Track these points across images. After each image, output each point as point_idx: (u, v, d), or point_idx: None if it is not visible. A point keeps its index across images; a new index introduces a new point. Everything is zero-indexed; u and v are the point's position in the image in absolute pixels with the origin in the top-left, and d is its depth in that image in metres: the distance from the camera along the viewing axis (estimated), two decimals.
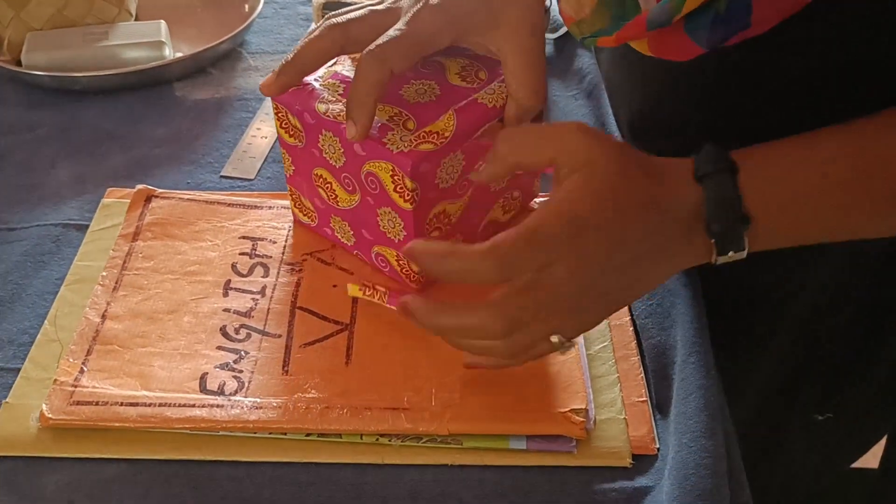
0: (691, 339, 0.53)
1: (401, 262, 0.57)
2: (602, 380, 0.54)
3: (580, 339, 0.56)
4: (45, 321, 0.57)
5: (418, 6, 0.51)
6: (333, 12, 0.55)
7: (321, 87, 0.56)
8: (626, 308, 0.59)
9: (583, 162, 0.45)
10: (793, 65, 0.53)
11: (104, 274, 0.60)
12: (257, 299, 0.59)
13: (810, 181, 0.46)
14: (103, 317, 0.57)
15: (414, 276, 0.57)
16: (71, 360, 0.54)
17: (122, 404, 0.51)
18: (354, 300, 0.59)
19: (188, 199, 0.66)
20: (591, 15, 0.55)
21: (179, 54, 0.83)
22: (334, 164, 0.56)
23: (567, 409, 0.51)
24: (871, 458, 0.80)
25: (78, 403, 0.51)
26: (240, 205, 0.66)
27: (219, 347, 0.56)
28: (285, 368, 0.54)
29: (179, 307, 0.58)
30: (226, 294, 0.59)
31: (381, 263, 0.59)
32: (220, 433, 0.51)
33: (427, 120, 0.53)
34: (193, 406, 0.51)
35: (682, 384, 0.51)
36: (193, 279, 0.60)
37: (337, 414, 0.51)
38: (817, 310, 0.64)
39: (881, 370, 0.68)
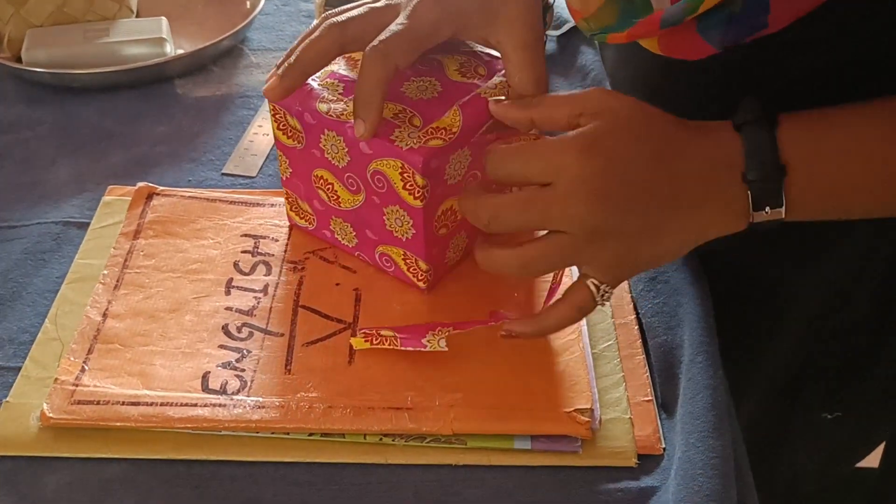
0: (699, 338, 0.53)
1: (407, 261, 0.57)
2: (607, 379, 0.54)
3: (585, 338, 0.55)
4: (46, 320, 0.57)
5: (417, 1, 0.51)
6: (331, 11, 0.55)
7: (320, 87, 0.55)
8: (631, 306, 0.58)
9: (605, 108, 0.46)
10: (798, 64, 0.53)
11: (105, 272, 0.60)
12: (259, 298, 0.58)
13: (849, 139, 0.46)
14: (104, 315, 0.57)
15: (421, 275, 0.57)
16: (72, 358, 0.54)
17: (123, 403, 0.51)
18: (357, 298, 0.58)
19: (189, 197, 0.66)
20: (597, 11, 0.54)
21: (180, 51, 0.82)
22: (337, 164, 0.55)
23: (572, 409, 0.51)
24: (871, 458, 0.80)
25: (79, 403, 0.51)
26: (241, 202, 0.65)
27: (221, 346, 0.55)
28: (288, 367, 0.54)
29: (181, 306, 0.58)
30: (228, 292, 0.59)
31: (386, 264, 0.59)
32: (223, 433, 0.50)
33: (432, 116, 0.53)
34: (195, 405, 0.51)
35: (689, 384, 0.51)
36: (195, 277, 0.60)
37: (340, 413, 0.51)
38: (824, 307, 0.64)
39: (886, 369, 0.68)
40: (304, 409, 0.51)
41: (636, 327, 0.57)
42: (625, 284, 0.60)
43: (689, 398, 0.50)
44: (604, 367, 0.54)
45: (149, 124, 0.75)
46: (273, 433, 0.50)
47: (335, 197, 0.58)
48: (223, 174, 0.70)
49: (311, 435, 0.50)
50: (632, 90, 0.68)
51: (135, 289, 0.59)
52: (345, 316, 0.57)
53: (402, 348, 0.53)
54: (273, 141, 0.73)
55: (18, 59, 0.80)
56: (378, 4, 0.53)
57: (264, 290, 0.59)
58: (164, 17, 0.84)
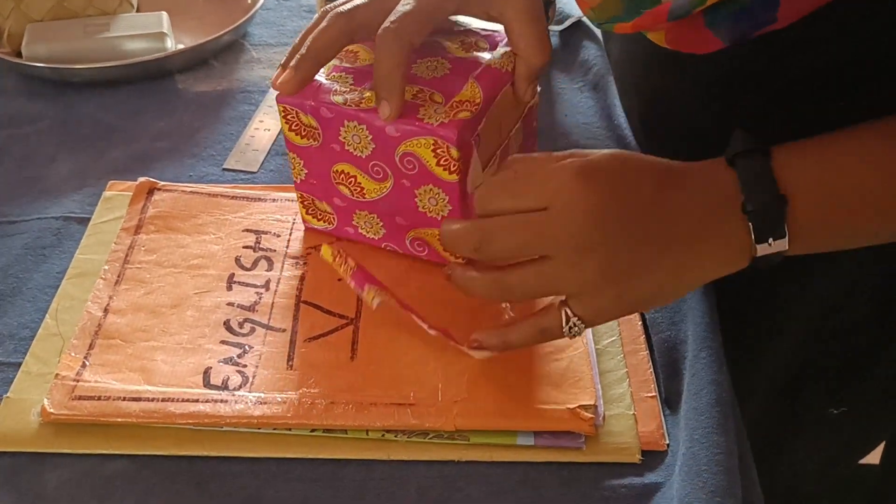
0: (703, 333, 0.53)
1: None
2: (610, 375, 0.54)
3: (589, 334, 0.55)
4: (46, 315, 0.57)
5: None
6: (333, 4, 0.54)
7: (329, 81, 0.55)
8: None
9: (593, 153, 0.45)
10: (800, 63, 0.53)
11: (106, 268, 0.59)
12: (261, 293, 0.58)
13: (850, 164, 0.45)
14: (105, 311, 0.57)
15: (457, 255, 0.57)
16: (73, 354, 0.53)
17: (124, 399, 0.51)
18: None
19: (191, 192, 0.65)
20: (604, 1, 0.54)
21: (181, 46, 0.82)
22: (360, 154, 0.55)
23: (575, 405, 0.50)
24: (872, 455, 0.80)
25: (80, 398, 0.51)
26: (243, 197, 0.65)
27: (222, 342, 0.55)
28: (290, 363, 0.54)
29: (182, 301, 0.57)
30: (229, 288, 0.58)
31: (419, 248, 0.58)
32: (224, 429, 0.50)
33: (451, 91, 0.53)
34: (197, 401, 0.51)
35: (693, 379, 0.51)
36: (196, 273, 0.59)
37: (342, 409, 0.50)
38: (825, 307, 0.64)
39: (886, 369, 0.68)
40: (307, 405, 0.51)
41: (639, 323, 0.57)
42: None
43: (694, 394, 0.50)
44: (607, 362, 0.54)
45: (149, 119, 0.75)
46: (275, 429, 0.50)
47: (359, 189, 0.57)
48: (224, 169, 0.70)
49: (313, 431, 0.50)
50: (637, 86, 0.68)
51: (136, 284, 0.58)
52: (347, 311, 0.57)
53: (351, 280, 0.54)
54: (274, 136, 0.73)
55: (18, 54, 0.80)
56: None
57: (266, 286, 0.59)
58: (164, 12, 0.83)
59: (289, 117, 0.56)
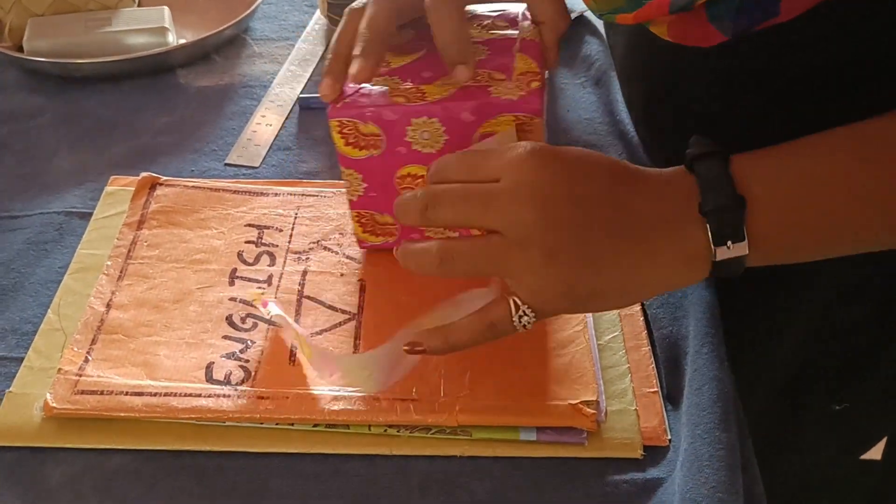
0: (704, 329, 0.53)
1: None
2: (612, 370, 0.54)
3: (591, 330, 0.55)
4: (49, 310, 0.57)
5: None
6: (355, 3, 0.55)
7: (378, 87, 0.54)
8: None
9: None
10: (807, 58, 0.52)
11: (109, 263, 0.59)
12: (264, 288, 0.58)
13: (812, 171, 0.44)
14: (108, 306, 0.57)
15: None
16: (75, 349, 0.54)
17: (127, 394, 0.51)
18: (362, 289, 0.58)
19: (193, 187, 0.65)
20: None
21: (183, 41, 0.82)
22: (430, 150, 0.54)
23: (577, 401, 0.50)
24: (874, 451, 0.80)
25: (82, 393, 0.51)
26: (246, 192, 0.65)
27: (225, 337, 0.55)
28: (292, 358, 0.54)
29: (185, 296, 0.57)
30: (232, 283, 0.58)
31: None
32: (227, 424, 0.50)
33: (506, 67, 0.54)
34: (199, 396, 0.51)
35: (694, 375, 0.51)
36: (199, 268, 0.59)
37: (344, 404, 0.50)
38: (831, 303, 0.64)
39: (887, 368, 0.68)
40: (309, 400, 0.51)
41: (641, 318, 0.57)
42: None
43: (695, 390, 0.50)
44: (609, 358, 0.54)
45: (151, 114, 0.75)
46: (277, 424, 0.50)
47: None
48: (226, 164, 0.70)
49: (315, 426, 0.50)
50: (639, 81, 0.68)
51: (139, 279, 0.58)
52: (349, 307, 0.57)
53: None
54: (276, 131, 0.73)
55: (20, 49, 0.80)
56: None
57: (268, 281, 0.59)
58: (166, 7, 0.83)
59: (345, 131, 0.54)
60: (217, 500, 0.47)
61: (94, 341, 0.54)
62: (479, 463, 0.49)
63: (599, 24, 0.83)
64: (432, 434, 0.50)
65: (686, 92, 0.60)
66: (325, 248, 0.61)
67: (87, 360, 0.53)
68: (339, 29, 0.55)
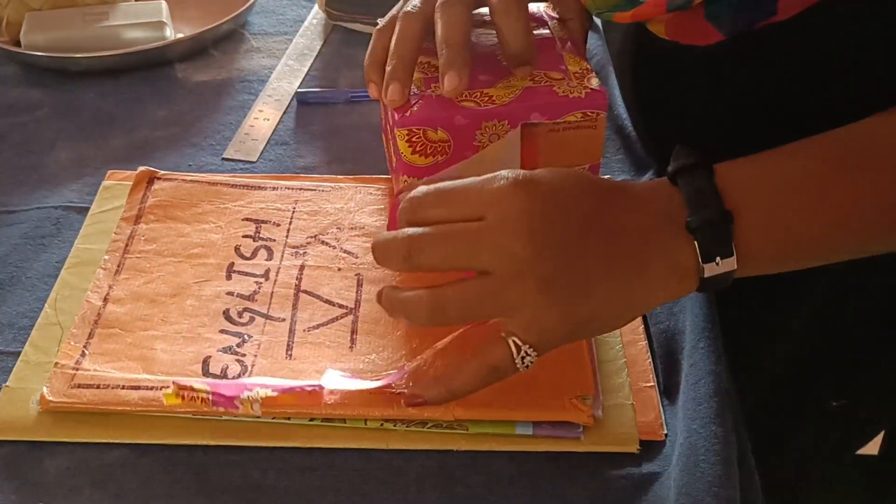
0: (701, 324, 0.53)
1: None
2: (609, 365, 0.54)
3: None
4: (46, 304, 0.57)
5: None
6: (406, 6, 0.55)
7: (434, 93, 0.54)
8: None
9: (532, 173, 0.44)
10: (805, 57, 0.52)
11: (106, 257, 0.59)
12: (261, 282, 0.58)
13: (796, 180, 0.44)
14: (105, 300, 0.57)
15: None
16: (72, 343, 0.54)
17: (123, 387, 0.51)
18: (359, 283, 0.58)
19: (191, 181, 0.65)
20: None
21: (180, 35, 0.82)
22: None
23: (574, 396, 0.50)
24: (870, 445, 0.80)
25: (79, 386, 0.51)
26: (243, 185, 0.65)
27: (222, 331, 0.55)
28: (289, 353, 0.54)
29: (182, 290, 0.57)
30: (229, 277, 0.58)
31: None
32: (223, 418, 0.50)
33: (559, 66, 0.55)
34: None
35: (691, 370, 0.51)
36: (196, 262, 0.59)
37: (341, 398, 0.50)
38: (835, 295, 0.63)
39: (891, 362, 0.68)
40: (305, 394, 0.51)
41: None
42: None
43: (692, 384, 0.50)
44: (606, 353, 0.54)
45: (149, 109, 0.75)
46: (273, 418, 0.50)
47: None
48: (224, 159, 0.70)
49: (312, 420, 0.50)
50: (636, 77, 0.68)
51: (136, 273, 0.58)
52: (346, 301, 0.57)
53: (213, 408, 0.49)
54: (274, 126, 0.73)
55: (17, 43, 0.80)
56: None
57: (265, 275, 0.59)
58: (163, 1, 0.83)
59: (413, 139, 0.53)
60: (213, 493, 0.47)
61: (90, 335, 0.54)
62: (476, 457, 0.49)
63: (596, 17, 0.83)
64: (429, 428, 0.50)
65: (683, 87, 0.60)
66: (322, 242, 0.61)
67: (83, 354, 0.53)
68: (396, 32, 0.54)
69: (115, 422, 0.50)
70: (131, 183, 0.65)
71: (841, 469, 0.81)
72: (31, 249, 0.61)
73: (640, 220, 0.43)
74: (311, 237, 0.61)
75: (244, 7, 0.83)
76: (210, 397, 0.49)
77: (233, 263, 0.59)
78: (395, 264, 0.44)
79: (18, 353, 0.54)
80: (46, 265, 0.60)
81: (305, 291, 0.58)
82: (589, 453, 0.49)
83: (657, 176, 0.62)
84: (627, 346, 0.55)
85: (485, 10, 0.57)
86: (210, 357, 0.53)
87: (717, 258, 0.42)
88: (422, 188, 0.44)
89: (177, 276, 0.58)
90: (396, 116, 0.53)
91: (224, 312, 0.56)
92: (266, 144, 0.71)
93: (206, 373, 0.52)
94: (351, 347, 0.54)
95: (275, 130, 0.73)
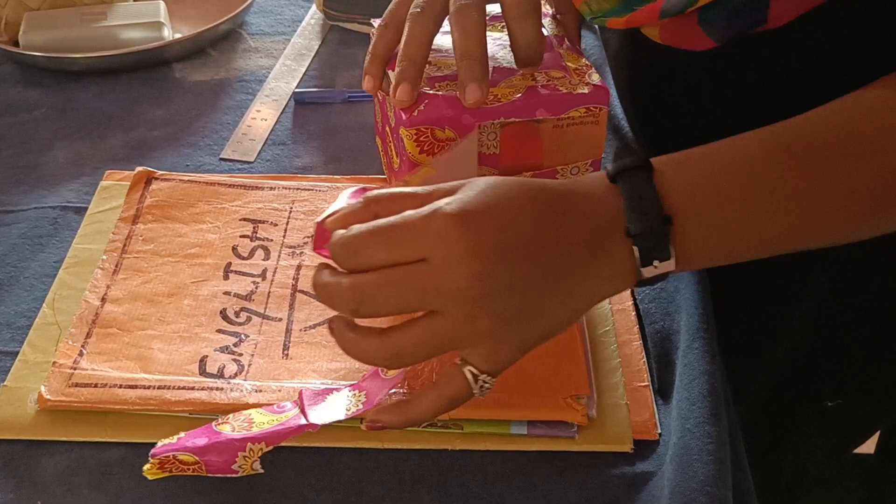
0: (696, 324, 0.53)
1: None
2: (604, 365, 0.54)
3: (583, 324, 0.55)
4: (44, 304, 0.57)
5: None
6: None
7: (440, 92, 0.54)
8: (628, 292, 0.58)
9: (465, 183, 0.43)
10: (797, 61, 0.53)
11: (104, 257, 0.60)
12: (258, 282, 0.58)
13: (737, 180, 0.44)
14: (103, 300, 0.57)
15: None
16: (70, 342, 0.54)
17: (121, 386, 0.51)
18: None
19: (188, 181, 0.65)
20: None
21: (179, 35, 0.82)
22: (494, 151, 0.55)
23: (569, 395, 0.51)
24: (867, 445, 0.80)
25: (77, 385, 0.51)
26: (241, 185, 0.65)
27: (219, 331, 0.55)
28: (285, 352, 0.54)
29: (179, 290, 0.58)
30: (226, 277, 0.59)
31: None
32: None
33: (559, 64, 0.55)
34: (193, 389, 0.51)
35: (685, 369, 0.51)
36: (194, 262, 0.60)
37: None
38: (832, 295, 0.64)
39: (891, 361, 0.68)
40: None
41: (633, 313, 0.57)
42: None
43: (686, 384, 0.50)
44: (601, 353, 0.55)
45: (146, 109, 0.75)
46: None
47: None
48: (221, 159, 0.70)
49: None
50: (633, 75, 0.68)
51: (133, 273, 0.59)
52: None
53: (209, 475, 0.46)
54: (271, 126, 0.73)
55: (16, 43, 0.80)
56: None
57: (262, 275, 0.59)
58: (161, 1, 0.83)
59: (421, 139, 0.53)
60: (210, 492, 0.48)
61: (88, 335, 0.55)
62: (471, 456, 0.50)
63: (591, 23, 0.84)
64: (424, 427, 0.50)
65: (677, 88, 0.61)
66: None
67: (81, 354, 0.53)
68: (406, 32, 0.53)
69: (112, 421, 0.50)
70: (129, 183, 0.65)
71: (839, 469, 0.81)
72: (29, 249, 0.62)
73: (583, 226, 0.43)
74: (308, 237, 0.62)
75: (242, 7, 0.83)
76: (203, 467, 0.46)
77: (230, 263, 0.60)
78: (343, 312, 0.43)
79: (16, 353, 0.54)
80: (44, 265, 0.60)
81: (302, 291, 0.58)
82: (583, 452, 0.50)
83: None
84: (622, 346, 0.55)
85: (490, 6, 0.58)
86: (207, 356, 0.53)
87: (656, 262, 0.43)
88: (355, 227, 0.42)
89: (174, 276, 0.59)
90: (404, 116, 0.53)
91: (221, 312, 0.56)
92: (263, 144, 0.72)
93: (202, 372, 0.52)
94: None
95: (272, 130, 0.73)
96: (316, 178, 0.67)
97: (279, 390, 0.51)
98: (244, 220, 0.63)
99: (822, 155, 0.44)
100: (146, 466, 0.46)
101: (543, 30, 0.57)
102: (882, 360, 0.68)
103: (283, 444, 0.49)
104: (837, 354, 0.68)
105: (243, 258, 0.60)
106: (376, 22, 0.57)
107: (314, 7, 0.88)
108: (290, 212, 0.63)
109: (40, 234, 0.63)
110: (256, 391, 0.51)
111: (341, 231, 0.42)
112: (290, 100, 0.77)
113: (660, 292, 0.57)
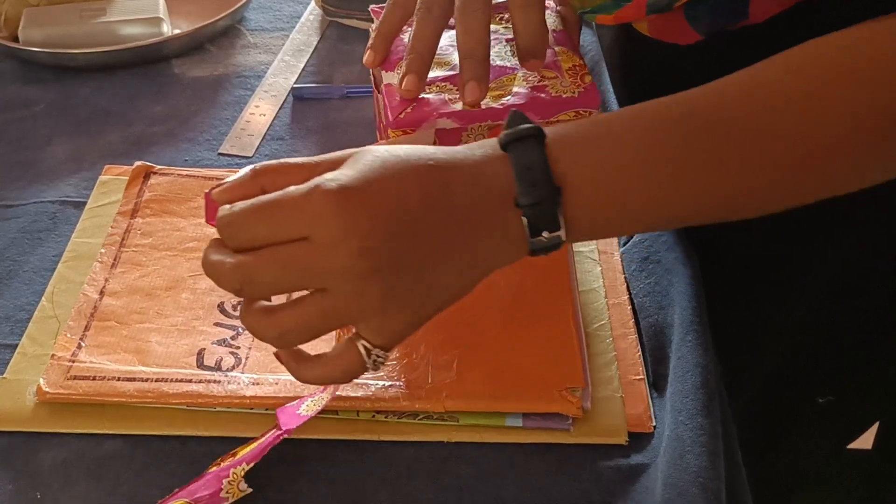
0: (689, 318, 0.53)
1: None
2: (599, 358, 0.54)
3: (578, 318, 0.55)
4: (43, 298, 0.57)
5: None
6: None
7: (431, 94, 0.54)
8: (624, 287, 0.58)
9: (349, 154, 0.42)
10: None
11: (103, 251, 0.60)
12: None
13: (629, 151, 0.43)
14: (101, 293, 0.57)
15: None
16: (69, 335, 0.54)
17: (119, 379, 0.51)
18: None
19: (187, 176, 0.66)
20: None
21: (178, 31, 0.82)
22: None
23: (564, 388, 0.51)
24: (863, 440, 0.80)
25: (75, 378, 0.51)
26: None
27: (216, 324, 0.56)
28: None
29: (177, 283, 0.58)
30: None
31: None
32: (217, 409, 0.51)
33: (553, 64, 0.55)
34: (190, 381, 0.51)
35: (679, 362, 0.51)
36: (192, 256, 0.60)
37: (333, 390, 0.51)
38: (829, 291, 0.64)
39: (889, 358, 0.68)
40: (298, 386, 0.51)
41: (629, 307, 0.57)
42: (618, 265, 0.60)
43: (679, 377, 0.50)
44: (596, 346, 0.55)
45: (145, 104, 0.76)
46: (267, 410, 0.51)
47: None
48: (220, 154, 0.70)
49: None
50: (627, 69, 0.68)
51: (132, 267, 0.59)
52: None
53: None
54: (270, 121, 0.74)
55: (15, 39, 0.80)
56: None
57: None
58: None
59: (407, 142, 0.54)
60: None
61: (87, 328, 0.55)
62: (466, 449, 0.50)
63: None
64: (419, 420, 0.51)
65: (670, 81, 0.61)
66: None
67: (80, 347, 0.54)
68: (415, 27, 0.53)
69: (110, 413, 0.51)
70: (128, 178, 0.65)
71: (838, 468, 0.81)
72: (28, 243, 0.62)
73: (473, 196, 0.42)
74: None
75: (241, 3, 0.84)
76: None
77: None
78: (230, 291, 0.42)
79: (16, 346, 0.54)
80: (43, 259, 0.61)
81: None
82: (578, 445, 0.50)
83: None
84: (617, 340, 0.55)
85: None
86: (204, 349, 0.54)
87: (545, 232, 0.42)
88: (238, 204, 0.41)
89: (172, 270, 0.59)
90: (391, 117, 0.54)
91: (219, 305, 0.57)
92: (262, 140, 0.72)
93: (200, 365, 0.53)
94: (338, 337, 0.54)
95: (271, 126, 0.73)
96: None
97: (276, 383, 0.51)
98: None
99: (712, 128, 0.43)
100: None
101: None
102: (881, 360, 0.68)
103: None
104: (836, 353, 0.68)
105: None
106: (375, 7, 0.57)
107: (313, 3, 0.89)
108: None
109: (39, 228, 0.63)
110: (254, 384, 0.51)
111: (227, 207, 0.41)
112: (288, 95, 0.77)
113: (654, 286, 0.57)
